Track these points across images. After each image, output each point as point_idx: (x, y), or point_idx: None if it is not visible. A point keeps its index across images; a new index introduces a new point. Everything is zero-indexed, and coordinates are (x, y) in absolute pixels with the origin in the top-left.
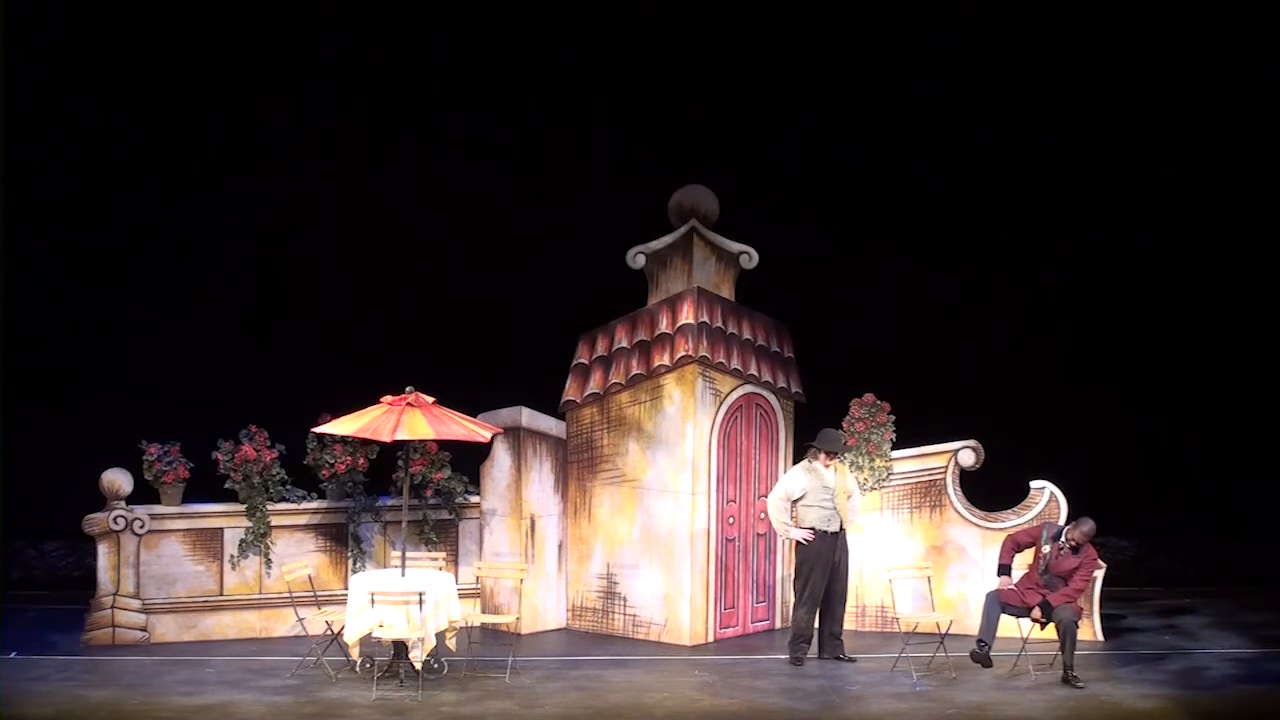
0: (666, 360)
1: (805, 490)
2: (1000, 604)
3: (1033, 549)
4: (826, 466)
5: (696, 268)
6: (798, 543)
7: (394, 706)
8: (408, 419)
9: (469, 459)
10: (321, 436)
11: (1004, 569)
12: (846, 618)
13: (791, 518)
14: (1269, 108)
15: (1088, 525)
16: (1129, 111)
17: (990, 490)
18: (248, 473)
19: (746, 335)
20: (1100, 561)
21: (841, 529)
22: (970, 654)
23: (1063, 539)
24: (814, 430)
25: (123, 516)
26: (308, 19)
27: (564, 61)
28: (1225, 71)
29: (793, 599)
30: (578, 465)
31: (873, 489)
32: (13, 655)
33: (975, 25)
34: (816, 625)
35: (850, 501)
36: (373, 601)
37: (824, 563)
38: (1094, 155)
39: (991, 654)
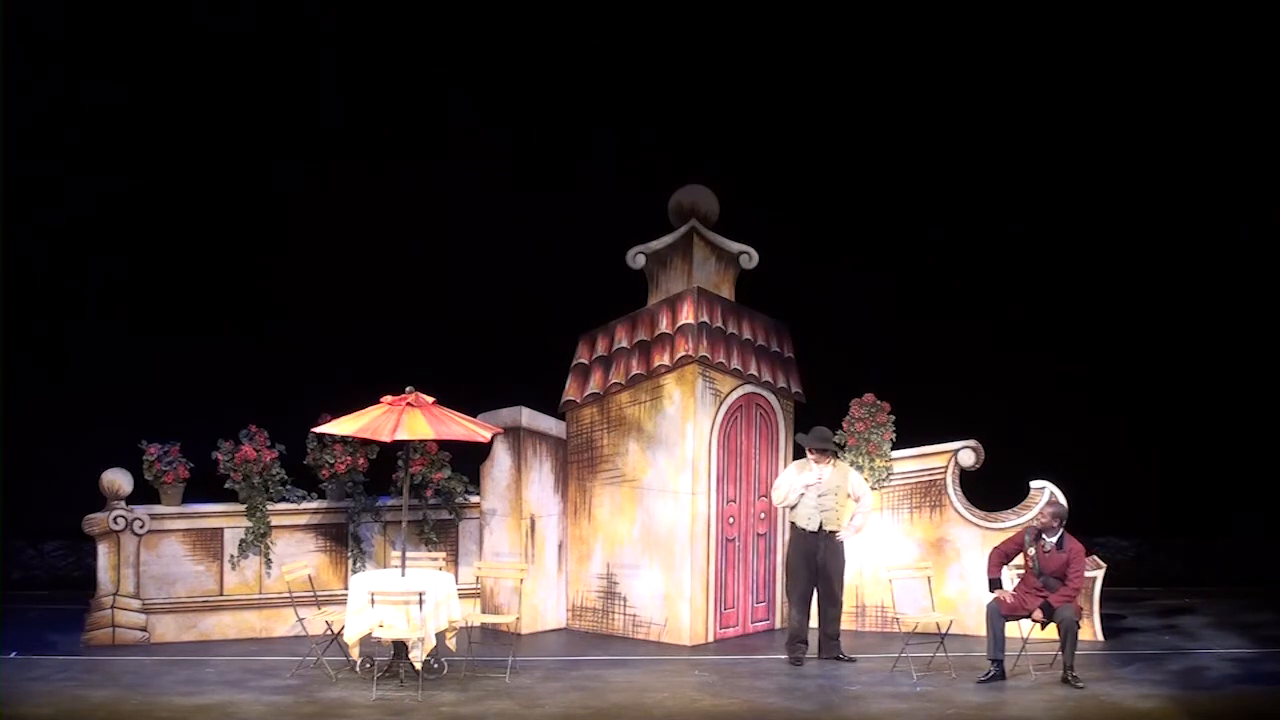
0: (666, 360)
1: (791, 488)
2: (1002, 615)
3: (1022, 555)
4: (817, 464)
5: (696, 268)
6: (787, 543)
7: (394, 706)
8: (408, 419)
9: (469, 459)
10: (321, 436)
11: (995, 583)
12: (846, 618)
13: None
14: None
15: (1055, 505)
16: (1127, 110)
17: (990, 490)
18: (248, 473)
19: (746, 335)
20: (1100, 561)
21: (823, 528)
22: (978, 681)
23: (1041, 535)
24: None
25: (123, 516)
26: (307, 18)
27: (564, 61)
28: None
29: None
30: (578, 465)
31: (873, 489)
32: (13, 655)
33: (974, 24)
34: (814, 625)
35: (859, 505)
36: (373, 601)
37: (807, 562)
38: (1094, 154)
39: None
